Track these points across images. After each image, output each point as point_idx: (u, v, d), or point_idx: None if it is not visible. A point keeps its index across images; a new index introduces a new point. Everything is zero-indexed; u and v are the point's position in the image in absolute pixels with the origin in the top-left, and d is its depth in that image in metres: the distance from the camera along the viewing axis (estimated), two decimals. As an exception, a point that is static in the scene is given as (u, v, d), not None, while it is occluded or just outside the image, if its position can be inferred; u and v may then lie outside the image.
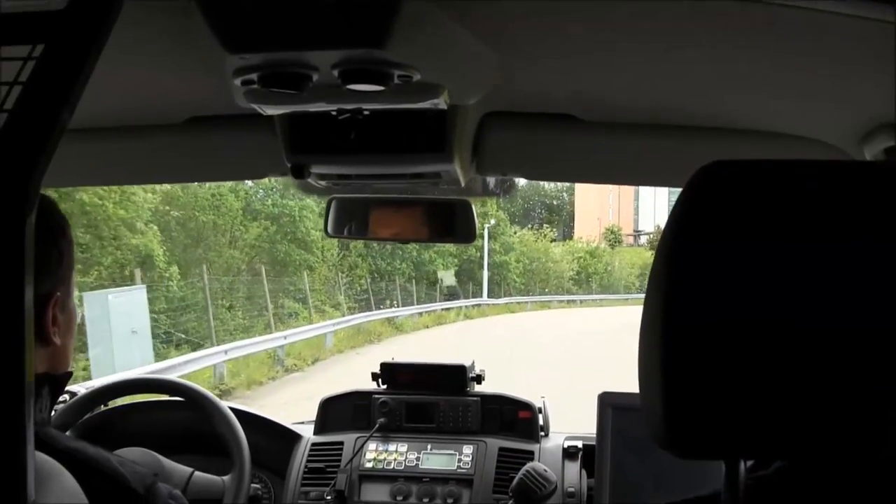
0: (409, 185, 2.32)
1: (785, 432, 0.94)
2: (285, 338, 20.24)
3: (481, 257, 45.39)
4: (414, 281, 39.39)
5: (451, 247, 37.99)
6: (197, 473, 2.45)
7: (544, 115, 1.99)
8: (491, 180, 2.45)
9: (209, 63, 1.51)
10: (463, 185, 2.16)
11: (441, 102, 1.64)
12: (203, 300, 21.89)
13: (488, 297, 44.20)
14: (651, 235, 51.09)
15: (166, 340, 20.86)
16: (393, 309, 33.08)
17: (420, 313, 34.35)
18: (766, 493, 1.12)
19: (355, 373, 4.21)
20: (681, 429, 0.95)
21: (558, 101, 1.93)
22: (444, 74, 1.57)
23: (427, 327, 32.11)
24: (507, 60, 1.61)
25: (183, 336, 21.52)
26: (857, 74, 1.56)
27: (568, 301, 52.34)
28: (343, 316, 28.37)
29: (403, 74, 1.48)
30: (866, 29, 1.32)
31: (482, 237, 43.57)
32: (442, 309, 36.84)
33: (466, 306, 39.42)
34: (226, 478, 2.51)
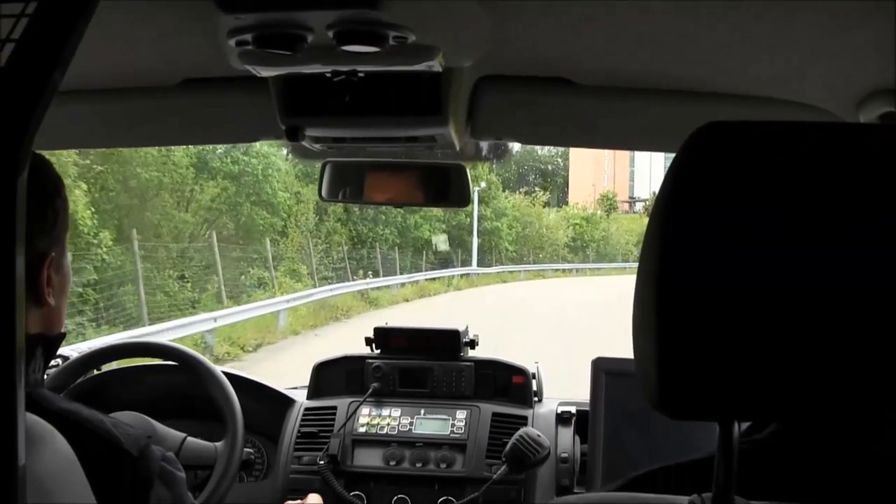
0: (404, 148, 2.31)
1: (778, 394, 0.94)
2: (215, 320, 16.91)
3: (471, 223, 43.37)
4: (398, 248, 37.35)
5: (438, 212, 37.49)
6: (189, 439, 2.45)
7: (539, 78, 1.99)
8: (485, 145, 2.44)
9: (204, 24, 1.50)
10: (458, 148, 2.16)
11: (436, 64, 1.63)
12: (148, 270, 19.44)
13: (478, 265, 42.45)
14: (647, 202, 50.42)
15: (94, 318, 17.85)
16: (366, 280, 30.04)
17: (402, 284, 32.54)
18: (760, 455, 1.12)
19: (302, 362, 4.03)
20: (675, 390, 0.95)
21: (553, 64, 1.92)
22: (439, 36, 1.56)
23: (407, 300, 29.53)
24: (502, 22, 1.60)
25: (114, 312, 18.34)
26: (854, 39, 1.55)
27: (564, 270, 50.40)
28: (315, 287, 26.11)
29: (398, 36, 1.47)
30: None
31: (472, 201, 38.94)
32: (426, 279, 34.89)
33: (455, 276, 37.62)
34: (218, 444, 2.50)
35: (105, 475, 1.44)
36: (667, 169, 0.98)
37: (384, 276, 33.05)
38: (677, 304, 0.92)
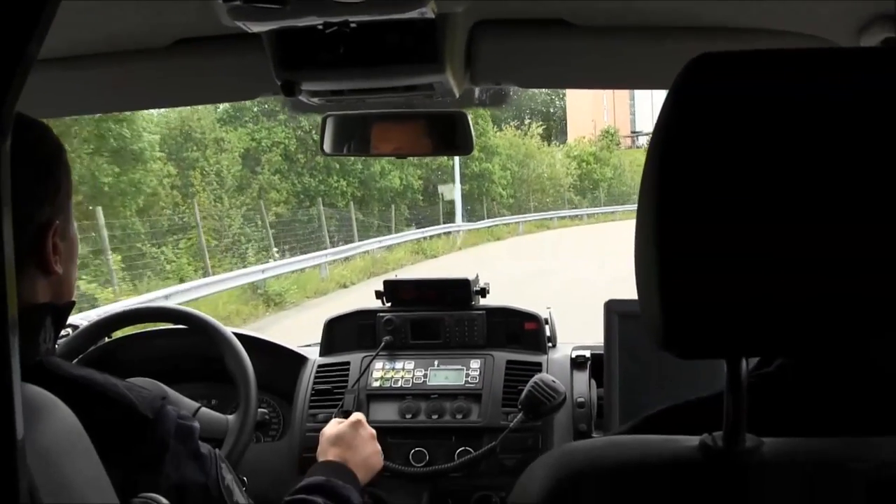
0: (404, 98, 2.29)
1: (784, 329, 0.94)
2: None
3: (454, 166, 36.91)
4: (358, 204, 31.07)
5: (412, 169, 33.58)
6: (203, 409, 2.44)
7: (536, 21, 1.97)
8: (485, 90, 2.42)
9: None
10: (457, 96, 2.14)
11: (428, 11, 1.61)
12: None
13: (469, 218, 36.72)
14: (650, 136, 49.56)
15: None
16: (279, 262, 20.84)
17: (346, 258, 23.82)
18: (769, 390, 1.12)
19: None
20: (680, 329, 0.95)
21: (549, 5, 1.90)
22: None
23: (345, 286, 21.02)
24: None
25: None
26: None
27: (571, 217, 43.89)
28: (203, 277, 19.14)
29: None
30: None
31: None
32: (383, 246, 26.63)
33: (430, 236, 30.32)
34: (230, 417, 2.49)
35: (121, 439, 1.44)
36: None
37: (329, 246, 25.21)
38: (678, 243, 0.91)
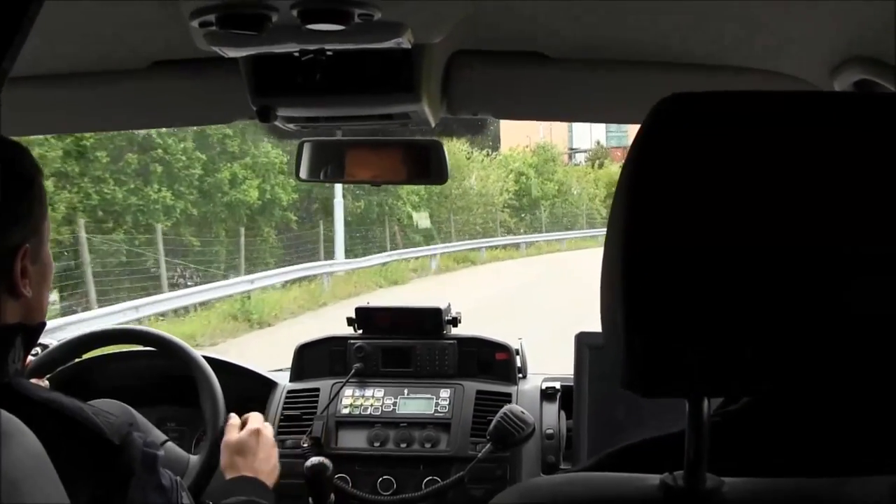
0: (380, 126, 2.29)
1: (745, 370, 0.94)
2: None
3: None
4: (196, 227, 22.49)
5: (282, 178, 24.67)
6: (169, 444, 2.41)
7: (513, 53, 1.98)
8: (462, 120, 2.43)
9: (170, 5, 1.48)
10: (433, 125, 2.14)
11: (404, 41, 1.62)
12: None
13: (348, 256, 25.00)
14: (588, 153, 45.86)
15: None
16: None
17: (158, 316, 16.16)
18: (732, 429, 1.12)
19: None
20: (642, 368, 0.95)
21: (526, 38, 1.91)
22: (406, 12, 1.55)
23: None
24: None
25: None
26: (828, 6, 1.54)
27: (504, 247, 32.50)
28: None
29: (364, 13, 1.45)
30: None
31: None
32: (190, 306, 17.41)
33: (288, 282, 20.93)
34: (193, 458, 2.46)
35: (87, 464, 1.43)
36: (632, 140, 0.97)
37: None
38: (643, 282, 0.91)
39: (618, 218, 0.95)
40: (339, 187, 24.36)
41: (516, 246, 33.01)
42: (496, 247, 32.10)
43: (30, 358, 2.49)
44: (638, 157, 0.93)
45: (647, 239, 0.91)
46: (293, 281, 21.12)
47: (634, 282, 0.92)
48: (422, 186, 26.52)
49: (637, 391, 0.96)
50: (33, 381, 2.18)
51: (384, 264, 25.29)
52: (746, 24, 1.74)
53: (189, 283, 20.43)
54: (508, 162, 37.73)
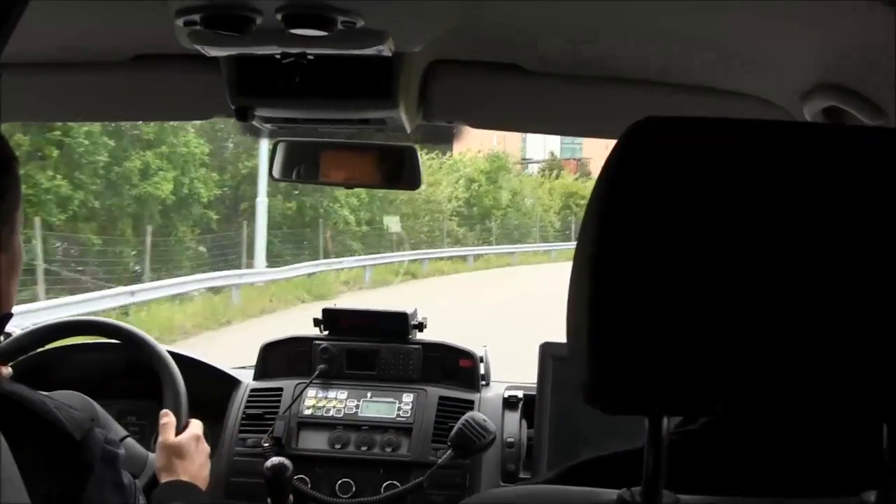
0: (355, 130, 2.30)
1: (705, 389, 0.95)
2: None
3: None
4: (100, 224, 20.21)
5: (204, 171, 22.59)
6: (128, 440, 2.41)
7: (491, 63, 1.99)
8: (436, 127, 2.44)
9: (155, 2, 1.48)
10: (409, 131, 2.15)
11: (385, 49, 1.63)
12: None
13: (276, 263, 22.32)
14: (542, 164, 44.04)
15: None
16: None
17: None
18: (691, 447, 1.13)
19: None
20: (604, 384, 0.96)
21: (504, 50, 1.92)
22: (389, 21, 1.56)
23: None
24: (452, 9, 1.59)
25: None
26: (802, 32, 1.57)
27: (451, 258, 29.26)
28: None
29: (347, 20, 1.46)
30: None
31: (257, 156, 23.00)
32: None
33: (179, 296, 17.60)
34: (152, 455, 2.45)
35: (46, 458, 1.43)
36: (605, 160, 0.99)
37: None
38: (609, 300, 0.93)
39: (587, 236, 0.96)
40: (263, 184, 22.19)
41: (463, 258, 29.83)
42: (441, 258, 28.94)
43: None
44: (610, 177, 0.95)
45: (615, 258, 0.92)
46: (197, 292, 18.16)
47: (600, 300, 0.93)
48: (357, 202, 26.85)
49: (599, 407, 0.97)
50: None
51: (311, 275, 22.07)
52: (720, 47, 1.76)
53: (78, 291, 16.32)
54: (459, 167, 34.43)
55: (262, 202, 22.27)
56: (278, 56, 1.74)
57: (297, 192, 25.06)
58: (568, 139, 41.20)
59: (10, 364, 2.62)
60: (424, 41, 1.75)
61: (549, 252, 32.58)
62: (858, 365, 0.94)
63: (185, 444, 2.29)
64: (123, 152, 20.50)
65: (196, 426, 2.39)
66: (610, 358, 0.94)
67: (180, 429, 2.39)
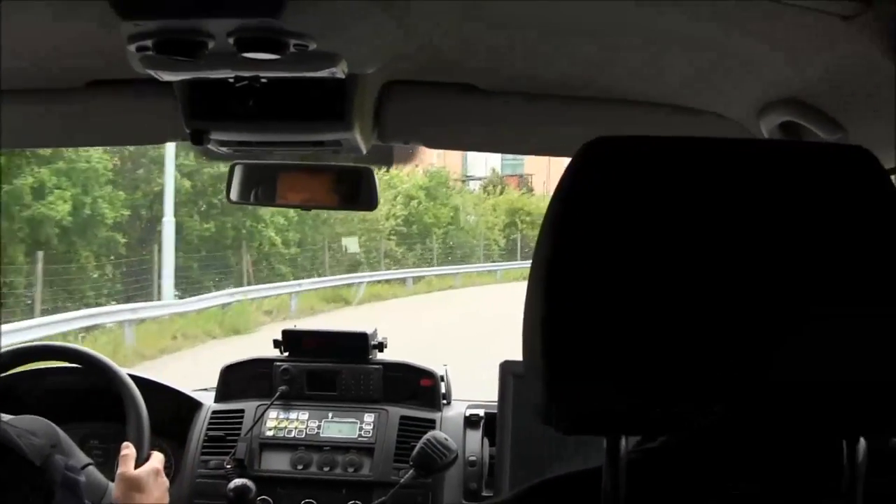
0: (311, 152, 2.31)
1: (663, 409, 0.95)
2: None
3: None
4: None
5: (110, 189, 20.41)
6: (90, 468, 2.39)
7: (445, 84, 2.00)
8: (393, 148, 2.45)
9: (106, 27, 1.48)
10: (364, 152, 2.16)
11: (339, 71, 1.64)
12: None
13: (193, 292, 20.66)
14: (484, 180, 42.60)
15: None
16: None
17: None
18: (650, 466, 1.13)
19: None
20: (560, 405, 0.96)
21: (458, 70, 1.93)
22: (342, 44, 1.56)
23: None
24: (407, 29, 1.60)
25: None
26: (757, 47, 1.58)
27: (388, 281, 27.10)
28: None
29: (299, 44, 1.46)
30: (770, 3, 1.34)
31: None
32: None
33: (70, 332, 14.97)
34: (112, 485, 2.44)
35: (6, 484, 1.43)
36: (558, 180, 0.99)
37: None
38: (562, 320, 0.93)
39: (541, 255, 0.97)
40: (169, 201, 20.18)
41: (402, 281, 27.55)
42: (378, 281, 26.56)
43: None
44: (563, 197, 0.95)
45: (568, 278, 0.93)
46: (86, 329, 15.68)
47: (554, 319, 0.93)
48: (286, 225, 24.71)
49: (556, 427, 0.98)
50: None
51: (226, 305, 19.67)
52: (674, 63, 1.77)
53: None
54: (396, 183, 32.19)
55: (168, 222, 20.15)
56: (232, 80, 1.74)
57: (216, 211, 23.04)
58: (510, 157, 38.70)
59: None
60: (378, 63, 1.75)
61: (493, 272, 30.96)
62: (810, 387, 0.94)
63: (144, 478, 2.27)
64: (15, 168, 18.36)
65: (156, 459, 2.37)
66: (565, 377, 0.94)
67: (142, 459, 2.39)
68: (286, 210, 20.50)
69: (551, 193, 0.98)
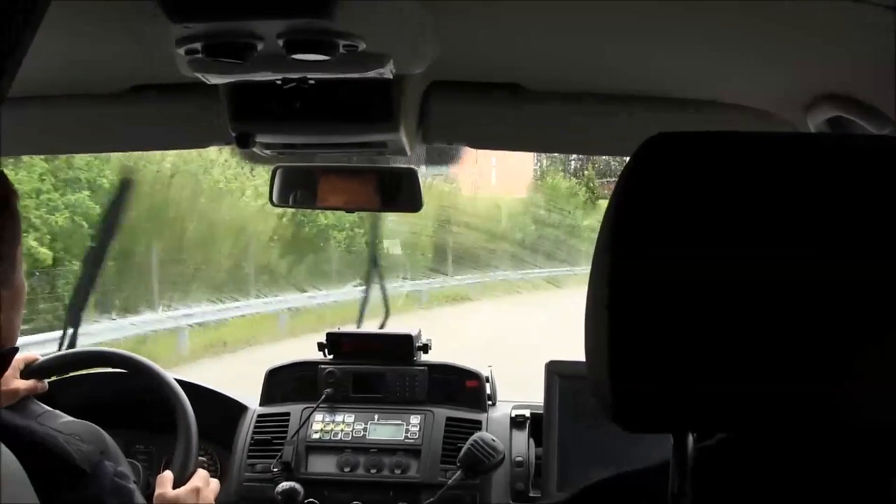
0: (355, 154, 2.31)
1: (734, 405, 0.94)
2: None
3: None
4: None
5: None
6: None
7: (490, 84, 1.99)
8: (436, 149, 2.44)
9: (154, 31, 1.48)
10: (408, 154, 2.15)
11: (386, 72, 1.63)
12: None
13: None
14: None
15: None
16: None
17: None
18: (712, 464, 1.12)
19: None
20: (628, 402, 0.95)
21: (504, 70, 1.92)
22: (390, 44, 1.56)
23: None
24: (453, 29, 1.60)
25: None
26: (804, 43, 1.56)
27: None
28: None
29: (349, 44, 1.46)
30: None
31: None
32: None
33: None
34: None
35: (56, 491, 1.43)
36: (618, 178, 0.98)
37: None
38: (629, 317, 0.92)
39: (602, 254, 0.96)
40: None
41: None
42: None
43: (37, 357, 2.48)
44: (625, 195, 0.94)
45: (633, 275, 0.92)
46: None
47: (620, 318, 0.92)
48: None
49: (622, 425, 0.96)
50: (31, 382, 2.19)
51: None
52: (721, 61, 1.75)
53: None
54: None
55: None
56: (279, 81, 1.74)
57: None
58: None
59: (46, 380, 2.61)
60: (425, 63, 1.75)
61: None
62: (878, 404, 0.93)
63: (183, 499, 2.27)
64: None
65: (199, 478, 2.36)
66: (631, 374, 0.93)
67: (190, 467, 2.38)
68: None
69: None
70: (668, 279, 0.91)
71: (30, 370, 2.61)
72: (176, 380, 2.66)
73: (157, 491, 2.27)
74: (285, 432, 3.05)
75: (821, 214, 0.90)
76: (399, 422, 3.06)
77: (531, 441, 2.98)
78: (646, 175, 0.94)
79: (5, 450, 1.25)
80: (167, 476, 2.31)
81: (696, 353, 0.91)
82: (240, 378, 4.39)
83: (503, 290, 22.06)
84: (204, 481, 2.35)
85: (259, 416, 3.14)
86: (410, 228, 23.26)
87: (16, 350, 1.54)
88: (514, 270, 23.57)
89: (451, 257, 24.21)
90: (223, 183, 19.18)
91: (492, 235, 24.04)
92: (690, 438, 1.00)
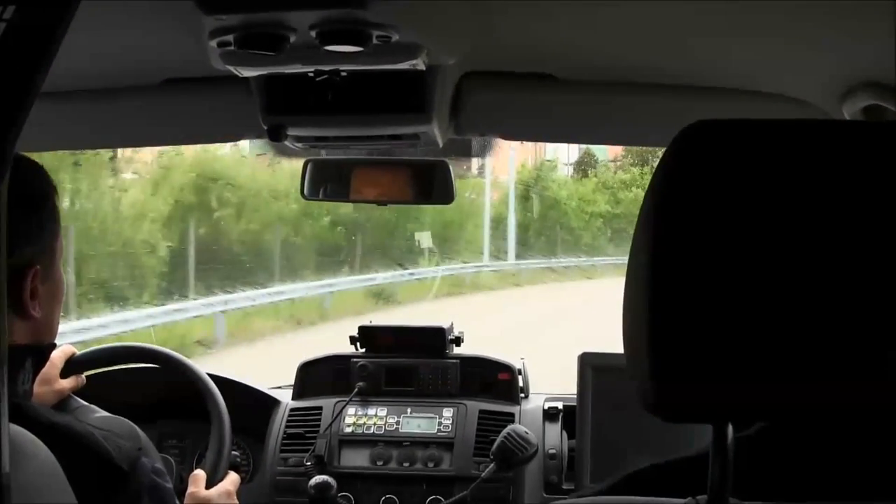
0: (387, 146, 2.30)
1: (775, 398, 0.93)
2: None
3: None
4: None
5: None
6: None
7: (523, 74, 1.98)
8: (469, 141, 2.44)
9: (186, 24, 1.48)
10: (441, 146, 2.15)
11: (420, 63, 1.63)
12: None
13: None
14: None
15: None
16: None
17: None
18: (751, 453, 1.12)
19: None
20: (669, 393, 0.94)
21: (537, 60, 1.92)
22: (423, 34, 1.55)
23: None
24: (486, 20, 1.59)
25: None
26: (838, 32, 1.55)
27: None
28: None
29: (382, 35, 1.45)
30: None
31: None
32: None
33: None
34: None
35: (95, 489, 1.43)
36: (656, 167, 0.98)
37: None
38: (669, 309, 0.92)
39: (642, 244, 0.95)
40: None
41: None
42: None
43: (75, 350, 2.49)
44: (665, 183, 0.94)
45: (674, 265, 0.91)
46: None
47: (660, 309, 0.92)
48: None
49: (662, 416, 0.96)
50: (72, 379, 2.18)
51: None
52: (755, 49, 1.74)
53: None
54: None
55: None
56: (311, 74, 1.74)
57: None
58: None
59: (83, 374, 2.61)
60: (458, 54, 1.74)
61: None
62: None
63: (215, 499, 2.26)
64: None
65: (230, 480, 2.35)
66: (673, 365, 0.93)
67: (223, 462, 2.38)
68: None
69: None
70: (708, 272, 0.90)
71: (68, 366, 2.61)
72: (208, 374, 2.67)
73: (190, 489, 2.26)
74: (318, 426, 3.05)
75: (866, 204, 0.89)
76: (432, 415, 3.06)
77: (564, 433, 2.97)
78: (686, 163, 0.93)
79: (44, 448, 1.26)
80: (200, 475, 2.30)
81: (736, 343, 0.91)
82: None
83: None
84: (235, 485, 2.35)
85: (292, 409, 3.14)
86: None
87: (55, 345, 1.55)
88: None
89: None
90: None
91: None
92: (730, 428, 0.99)
